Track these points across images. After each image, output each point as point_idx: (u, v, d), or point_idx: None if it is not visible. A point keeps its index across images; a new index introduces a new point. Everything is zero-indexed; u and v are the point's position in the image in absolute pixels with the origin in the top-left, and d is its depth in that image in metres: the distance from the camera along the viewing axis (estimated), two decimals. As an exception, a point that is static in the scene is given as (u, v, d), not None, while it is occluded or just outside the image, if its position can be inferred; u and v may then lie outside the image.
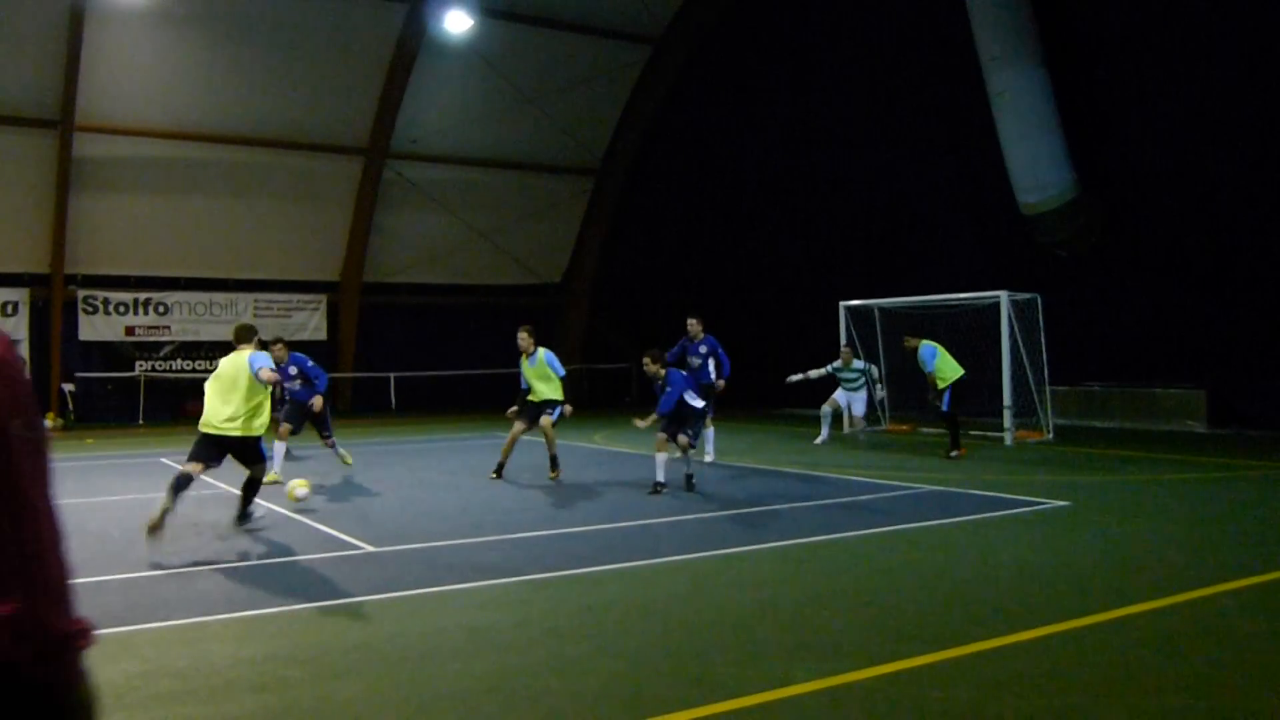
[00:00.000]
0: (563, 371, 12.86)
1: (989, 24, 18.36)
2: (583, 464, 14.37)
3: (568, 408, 12.73)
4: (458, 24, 23.53)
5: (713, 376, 13.81)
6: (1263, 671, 4.87)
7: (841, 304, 19.41)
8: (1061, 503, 10.08)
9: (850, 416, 17.84)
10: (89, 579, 7.28)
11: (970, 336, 17.13)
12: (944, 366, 14.72)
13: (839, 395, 17.65)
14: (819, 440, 17.01)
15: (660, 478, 11.43)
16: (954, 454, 14.39)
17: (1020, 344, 16.48)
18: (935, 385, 14.73)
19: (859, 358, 18.26)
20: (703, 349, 13.87)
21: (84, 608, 5.63)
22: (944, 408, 14.75)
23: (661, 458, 11.55)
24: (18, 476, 1.73)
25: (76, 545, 8.96)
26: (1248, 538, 8.31)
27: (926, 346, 14.85)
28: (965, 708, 4.42)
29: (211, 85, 23.75)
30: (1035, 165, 18.29)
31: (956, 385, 14.67)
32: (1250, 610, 6.04)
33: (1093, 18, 18.79)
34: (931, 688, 4.69)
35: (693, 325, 13.85)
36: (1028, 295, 16.88)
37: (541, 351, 12.74)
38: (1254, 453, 14.24)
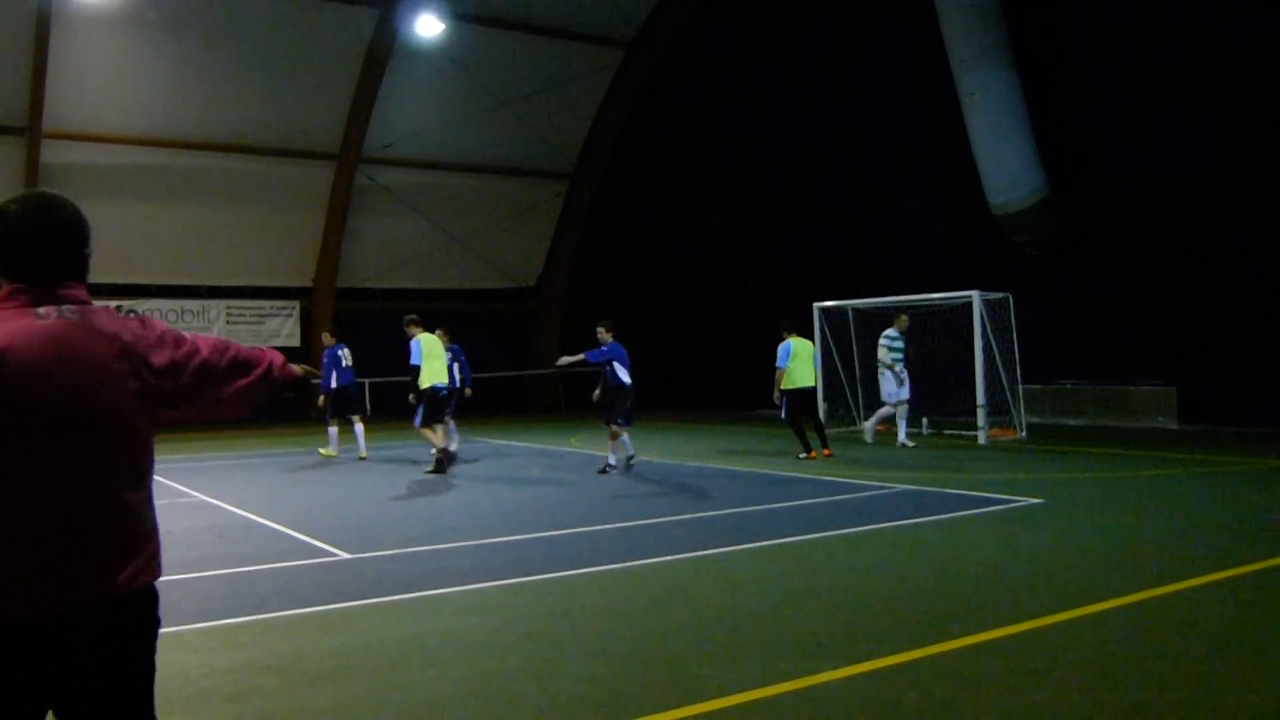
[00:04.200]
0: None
1: (959, 26, 18.48)
2: (559, 467, 14.37)
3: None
4: (429, 28, 23.50)
5: (459, 383, 15.57)
6: (1234, 665, 4.92)
7: (815, 305, 19.49)
8: (1034, 500, 10.16)
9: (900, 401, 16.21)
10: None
11: (943, 336, 17.27)
12: (793, 369, 14.58)
13: (904, 376, 16.06)
14: (910, 443, 15.84)
15: (612, 461, 13.35)
16: (801, 455, 14.48)
17: (993, 343, 16.60)
18: (778, 385, 14.63)
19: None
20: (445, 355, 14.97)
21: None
22: (782, 414, 14.84)
23: (625, 440, 13.44)
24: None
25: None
26: (1219, 532, 8.40)
27: (782, 345, 14.70)
28: (940, 705, 4.45)
29: (181, 91, 23.58)
30: (1006, 165, 18.42)
31: (799, 394, 14.63)
32: (1221, 604, 6.11)
33: (1062, 19, 18.97)
34: (907, 686, 4.71)
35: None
36: (1000, 294, 17.00)
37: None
38: (1224, 448, 14.39)
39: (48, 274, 2.42)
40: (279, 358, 2.84)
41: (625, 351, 13.55)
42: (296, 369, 2.95)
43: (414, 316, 14.40)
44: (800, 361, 14.67)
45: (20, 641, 2.21)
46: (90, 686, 2.30)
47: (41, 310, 2.36)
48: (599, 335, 13.65)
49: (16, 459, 2.25)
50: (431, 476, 13.58)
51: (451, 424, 15.61)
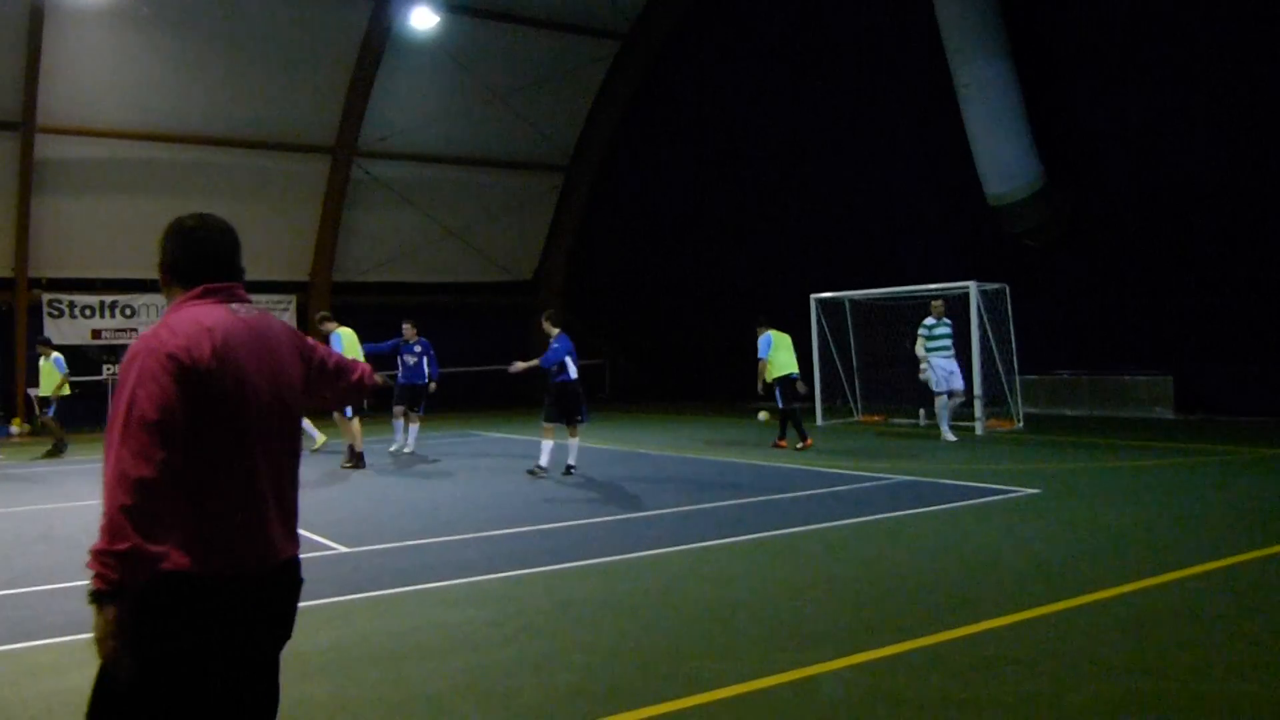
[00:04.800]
0: None
1: (954, 17, 18.44)
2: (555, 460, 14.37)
3: None
4: (423, 20, 23.43)
5: (426, 377, 15.70)
6: (1229, 653, 4.94)
7: (812, 296, 19.49)
8: (1032, 490, 10.18)
9: (948, 391, 15.33)
10: (57, 585, 7.22)
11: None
12: (776, 359, 14.69)
13: (936, 367, 15.17)
14: (952, 438, 15.04)
15: (544, 461, 12.37)
16: (800, 446, 14.55)
17: (990, 334, 16.61)
18: (763, 377, 14.70)
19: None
20: (417, 349, 15.73)
21: (53, 615, 5.63)
22: (779, 404, 14.85)
23: (548, 444, 12.34)
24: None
25: (45, 551, 8.92)
26: (1215, 522, 8.42)
27: (763, 337, 14.78)
28: (937, 695, 4.47)
29: (176, 85, 23.50)
30: (1002, 156, 18.41)
31: (785, 381, 14.72)
32: (1217, 593, 6.13)
33: (1057, 9, 18.93)
34: (904, 677, 4.73)
35: (407, 329, 15.43)
36: (996, 285, 17.01)
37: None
38: (1220, 438, 14.42)
39: (227, 278, 2.78)
40: (367, 367, 3.28)
41: (572, 344, 12.59)
42: (379, 379, 3.39)
43: (327, 314, 15.28)
44: (783, 351, 14.80)
45: (227, 597, 2.54)
46: (267, 636, 2.70)
47: (233, 306, 2.74)
48: (544, 327, 12.70)
49: (236, 438, 2.59)
50: (349, 470, 13.84)
51: (414, 426, 15.76)
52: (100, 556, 2.35)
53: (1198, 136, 17.20)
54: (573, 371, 12.53)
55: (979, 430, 16.23)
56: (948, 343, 15.22)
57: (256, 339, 2.68)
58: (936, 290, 16.87)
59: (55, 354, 17.42)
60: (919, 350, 15.29)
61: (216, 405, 2.53)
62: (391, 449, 15.86)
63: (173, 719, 2.47)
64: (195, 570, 2.48)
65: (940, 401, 15.34)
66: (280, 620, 2.74)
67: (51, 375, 17.11)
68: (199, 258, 2.76)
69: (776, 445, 14.88)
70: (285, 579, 2.73)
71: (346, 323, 15.33)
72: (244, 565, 2.57)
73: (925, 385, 15.58)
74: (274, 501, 2.68)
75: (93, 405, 24.27)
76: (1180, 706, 4.27)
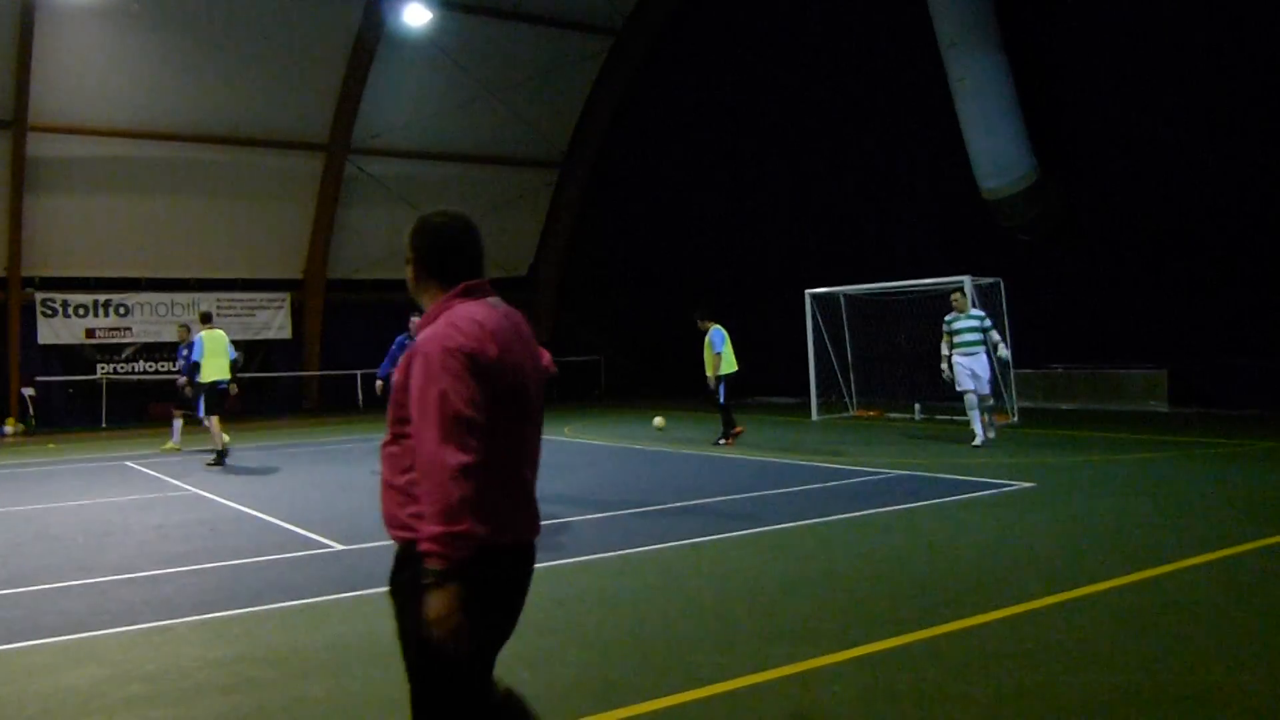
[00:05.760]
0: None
1: (947, 9, 18.45)
2: (552, 457, 14.34)
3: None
4: (417, 17, 23.41)
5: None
6: (1224, 645, 4.95)
7: (807, 292, 19.50)
8: (1027, 484, 10.19)
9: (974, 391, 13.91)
10: (53, 585, 7.21)
11: (935, 321, 17.26)
12: (727, 355, 14.80)
13: (956, 365, 13.80)
14: (978, 442, 13.65)
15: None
16: (721, 441, 14.86)
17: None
18: (715, 371, 14.73)
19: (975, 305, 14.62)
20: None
21: (48, 614, 5.63)
22: (720, 399, 14.93)
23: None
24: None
25: (40, 550, 8.90)
26: (1209, 514, 8.44)
27: (717, 331, 14.79)
28: (933, 688, 4.48)
29: (168, 83, 23.45)
30: (996, 150, 18.42)
31: (730, 378, 14.83)
32: (1212, 585, 6.14)
33: (1051, 2, 18.93)
34: (900, 670, 4.74)
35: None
36: (991, 279, 17.02)
37: None
38: (1215, 431, 14.44)
39: (478, 273, 3.01)
40: (549, 355, 3.61)
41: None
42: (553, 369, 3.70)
43: (206, 311, 16.12)
44: (729, 346, 14.89)
45: (514, 561, 2.95)
46: (521, 598, 3.04)
47: (490, 301, 2.98)
48: (410, 324, 12.15)
49: (516, 422, 2.89)
50: (218, 469, 14.25)
51: None
52: (440, 539, 2.61)
53: (1192, 130, 17.22)
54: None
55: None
56: (971, 338, 13.74)
57: (515, 330, 2.96)
58: (931, 285, 16.90)
59: None
60: (944, 349, 14.05)
61: (502, 393, 2.81)
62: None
63: (476, 673, 2.88)
64: (491, 541, 2.76)
65: (968, 400, 13.83)
66: (527, 588, 3.08)
67: None
68: (454, 256, 2.98)
69: (726, 441, 14.93)
70: (533, 553, 3.09)
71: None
72: (521, 535, 2.96)
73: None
74: (533, 478, 3.04)
75: (86, 404, 24.28)
76: (1176, 698, 4.28)
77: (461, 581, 2.65)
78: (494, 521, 2.77)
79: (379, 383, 13.89)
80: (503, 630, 2.98)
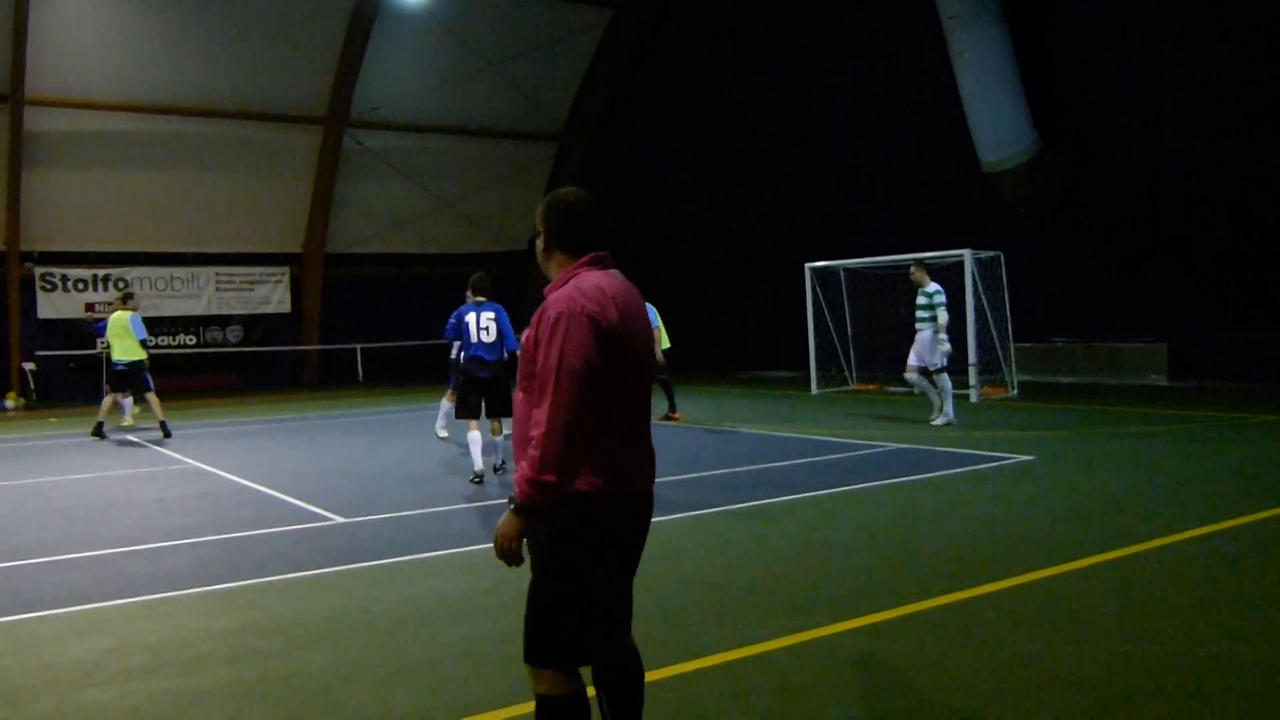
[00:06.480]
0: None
1: (948, -18, 18.31)
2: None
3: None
4: (414, -11, 23.23)
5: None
6: (1219, 617, 4.99)
7: (807, 265, 19.47)
8: (1026, 457, 10.22)
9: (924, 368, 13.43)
10: (56, 557, 7.24)
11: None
12: (662, 333, 15.17)
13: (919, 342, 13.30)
14: (939, 421, 13.29)
15: (477, 465, 9.93)
16: (675, 415, 15.31)
17: (984, 302, 16.61)
18: (658, 346, 14.93)
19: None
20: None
21: (51, 586, 5.65)
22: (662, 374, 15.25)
23: (474, 437, 10.02)
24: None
25: (43, 524, 8.93)
26: (1207, 487, 8.46)
27: (650, 309, 14.91)
28: (930, 659, 4.51)
29: (165, 56, 23.31)
30: (997, 123, 18.34)
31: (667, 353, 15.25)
32: (1208, 558, 6.18)
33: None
34: (898, 640, 4.77)
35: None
36: (991, 253, 16.99)
37: None
38: (1213, 404, 14.47)
39: (603, 246, 3.28)
40: None
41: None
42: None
43: (126, 291, 16.35)
44: (662, 327, 15.16)
45: (636, 508, 3.20)
46: (638, 545, 3.29)
47: (612, 271, 3.26)
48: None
49: (631, 382, 3.12)
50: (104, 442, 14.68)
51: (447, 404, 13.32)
52: (529, 483, 2.90)
53: (1192, 103, 17.14)
54: (487, 355, 10.16)
55: (974, 398, 16.27)
56: (923, 315, 13.35)
57: (632, 298, 3.21)
58: (931, 258, 16.71)
59: None
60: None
61: (620, 355, 3.05)
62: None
63: (590, 587, 3.12)
64: (606, 490, 3.04)
65: (910, 377, 13.60)
66: (646, 531, 3.30)
67: None
68: (582, 229, 3.27)
69: (670, 418, 15.21)
70: (650, 500, 3.28)
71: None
72: (634, 486, 3.16)
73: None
74: (647, 434, 3.25)
75: (86, 378, 24.28)
76: (1173, 669, 4.31)
77: (537, 518, 2.96)
78: (606, 473, 3.04)
79: (455, 344, 11.70)
80: (624, 569, 3.25)
